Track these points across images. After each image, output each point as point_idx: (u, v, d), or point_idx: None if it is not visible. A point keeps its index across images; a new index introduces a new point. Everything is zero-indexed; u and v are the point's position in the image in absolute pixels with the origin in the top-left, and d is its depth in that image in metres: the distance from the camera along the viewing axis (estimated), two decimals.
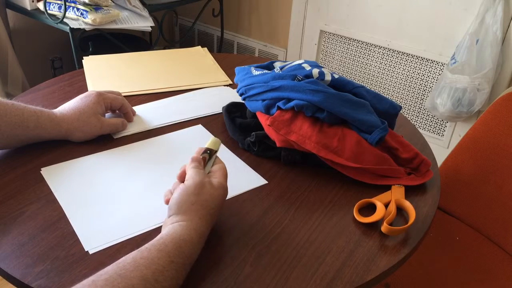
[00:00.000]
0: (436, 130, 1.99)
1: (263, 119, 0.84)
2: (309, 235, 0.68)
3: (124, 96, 0.92)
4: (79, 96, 0.85)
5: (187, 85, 1.08)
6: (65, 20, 1.61)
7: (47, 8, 1.63)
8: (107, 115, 0.90)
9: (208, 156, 0.69)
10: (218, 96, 1.05)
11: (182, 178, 0.67)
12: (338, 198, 0.76)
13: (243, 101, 0.91)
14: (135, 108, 0.96)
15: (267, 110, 0.84)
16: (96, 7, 1.62)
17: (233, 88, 1.07)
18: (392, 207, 0.73)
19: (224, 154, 0.85)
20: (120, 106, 0.89)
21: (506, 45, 1.67)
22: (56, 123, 0.81)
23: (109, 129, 0.86)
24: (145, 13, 1.75)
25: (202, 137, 0.89)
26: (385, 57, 2.00)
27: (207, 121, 0.95)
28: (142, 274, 0.51)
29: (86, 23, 1.60)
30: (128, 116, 0.91)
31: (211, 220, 0.64)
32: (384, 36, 1.96)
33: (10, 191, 0.72)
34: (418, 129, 1.38)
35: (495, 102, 1.15)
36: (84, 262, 0.61)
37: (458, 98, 1.68)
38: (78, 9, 1.61)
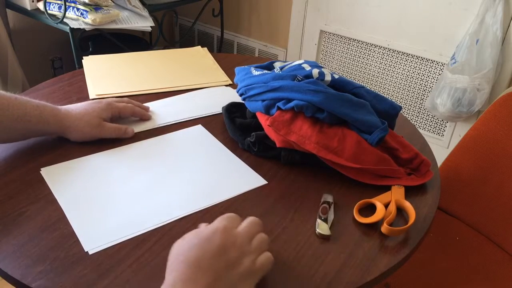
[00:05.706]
0: (436, 130, 1.98)
1: (263, 119, 0.84)
2: (309, 236, 0.68)
3: (124, 96, 0.93)
4: (89, 101, 0.87)
5: (187, 85, 1.08)
6: (65, 20, 1.61)
7: (47, 8, 1.63)
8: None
9: (328, 206, 0.72)
10: (218, 96, 1.04)
11: None
12: (338, 198, 0.76)
13: (243, 101, 0.91)
14: None
15: (267, 111, 0.84)
16: (96, 7, 1.62)
17: (233, 88, 1.07)
18: (392, 208, 0.73)
19: (224, 154, 0.85)
20: (131, 114, 0.91)
21: (506, 45, 1.67)
22: (59, 119, 0.81)
23: (109, 133, 0.86)
24: (145, 13, 1.75)
25: (202, 137, 0.89)
26: (385, 57, 2.00)
27: (207, 121, 0.95)
28: None
29: (86, 23, 1.60)
30: (145, 118, 0.92)
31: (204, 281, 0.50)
32: (384, 36, 1.96)
33: (10, 191, 0.72)
34: (418, 129, 1.38)
35: (495, 102, 1.15)
36: (84, 262, 0.61)
37: (458, 98, 1.68)
38: (78, 9, 1.61)
